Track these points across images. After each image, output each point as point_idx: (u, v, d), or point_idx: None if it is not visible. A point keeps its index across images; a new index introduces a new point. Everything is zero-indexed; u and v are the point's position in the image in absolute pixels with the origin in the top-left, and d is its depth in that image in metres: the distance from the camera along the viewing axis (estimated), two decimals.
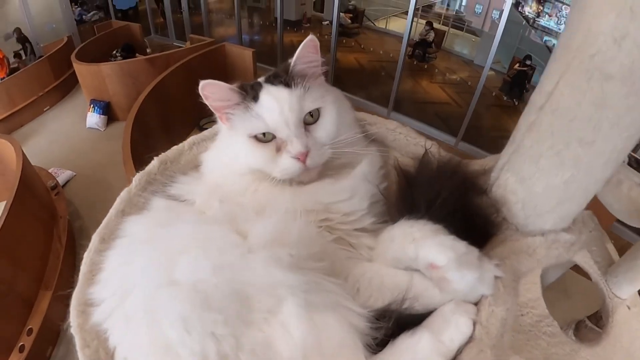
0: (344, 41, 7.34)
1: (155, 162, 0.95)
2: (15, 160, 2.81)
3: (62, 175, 3.99)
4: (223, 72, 5.01)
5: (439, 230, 0.67)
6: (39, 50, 6.21)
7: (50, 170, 3.74)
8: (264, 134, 0.77)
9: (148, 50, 6.77)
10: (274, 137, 0.77)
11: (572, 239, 0.75)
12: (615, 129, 0.62)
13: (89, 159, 4.29)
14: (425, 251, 0.64)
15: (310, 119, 0.78)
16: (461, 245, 0.63)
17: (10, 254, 2.30)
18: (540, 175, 0.71)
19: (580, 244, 0.75)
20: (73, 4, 7.61)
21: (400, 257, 0.68)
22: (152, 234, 0.71)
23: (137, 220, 0.77)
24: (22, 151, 2.91)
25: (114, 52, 6.16)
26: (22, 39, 6.07)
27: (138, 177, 0.92)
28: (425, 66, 6.73)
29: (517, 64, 5.44)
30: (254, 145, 0.78)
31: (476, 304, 0.64)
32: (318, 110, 0.79)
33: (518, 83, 5.45)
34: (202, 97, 0.78)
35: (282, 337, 0.56)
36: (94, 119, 4.89)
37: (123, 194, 0.89)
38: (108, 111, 4.94)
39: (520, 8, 5.57)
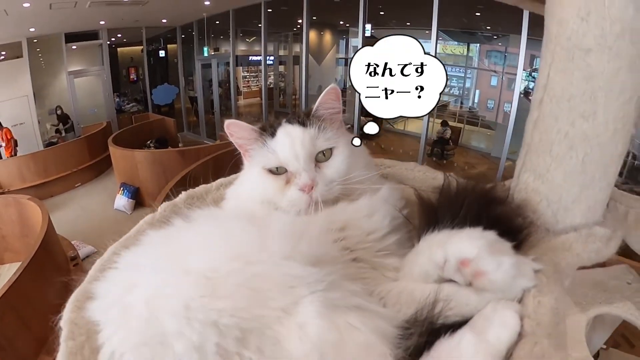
0: (365, 143, 7.61)
1: (182, 195, 0.98)
2: (40, 224, 2.89)
3: (83, 249, 4.04)
4: None
5: (464, 229, 0.63)
6: (79, 130, 6.81)
7: (72, 242, 3.81)
8: (277, 168, 0.81)
9: (180, 145, 7.24)
10: (286, 171, 0.81)
11: (608, 233, 0.73)
12: (609, 95, 0.66)
13: (112, 239, 4.35)
14: (453, 248, 0.59)
15: (322, 158, 0.81)
16: (490, 234, 0.59)
17: (17, 311, 2.27)
18: (557, 164, 0.73)
19: (616, 239, 0.74)
20: (114, 94, 8.45)
21: (428, 269, 0.63)
22: (170, 236, 0.70)
23: (157, 232, 0.75)
24: (49, 216, 3.01)
25: (148, 142, 6.62)
26: (63, 117, 6.69)
27: (164, 206, 0.93)
28: (445, 162, 6.88)
29: None
30: (266, 176, 0.81)
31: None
32: (330, 150, 0.82)
33: None
34: (227, 134, 0.86)
35: (296, 337, 0.50)
36: (122, 201, 5.09)
37: (147, 217, 0.89)
38: (136, 196, 5.16)
39: (530, 96, 5.83)
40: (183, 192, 0.98)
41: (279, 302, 0.52)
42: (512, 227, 0.69)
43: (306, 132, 0.81)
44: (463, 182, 0.81)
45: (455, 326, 0.55)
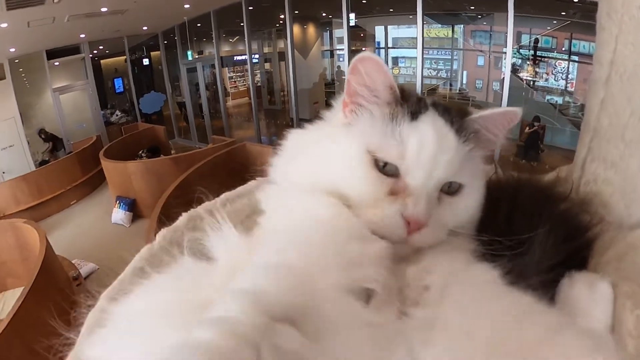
0: None
1: (183, 218, 0.81)
2: (39, 247, 2.86)
3: (85, 268, 4.01)
4: (246, 169, 5.15)
5: None
6: (69, 146, 6.81)
7: (73, 261, 3.78)
8: (386, 163, 0.55)
9: (172, 152, 7.18)
10: (396, 175, 0.55)
11: None
12: None
13: (113, 254, 4.30)
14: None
15: (446, 189, 0.57)
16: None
17: (23, 337, 2.23)
18: (631, 150, 0.64)
19: None
20: (101, 106, 8.39)
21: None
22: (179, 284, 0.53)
23: (160, 278, 0.56)
24: (46, 238, 2.97)
25: (140, 152, 6.55)
26: (49, 137, 6.68)
27: (163, 233, 0.78)
28: None
29: (527, 127, 5.53)
30: (365, 165, 0.55)
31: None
32: (460, 186, 0.57)
33: (532, 145, 5.50)
34: (351, 69, 0.57)
35: None
36: (119, 215, 5.04)
37: (143, 250, 0.74)
38: (133, 208, 5.10)
39: (518, 73, 5.83)
40: (184, 214, 0.80)
41: None
42: (579, 225, 0.61)
43: (459, 147, 0.55)
44: (512, 176, 0.70)
45: None
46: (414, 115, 0.55)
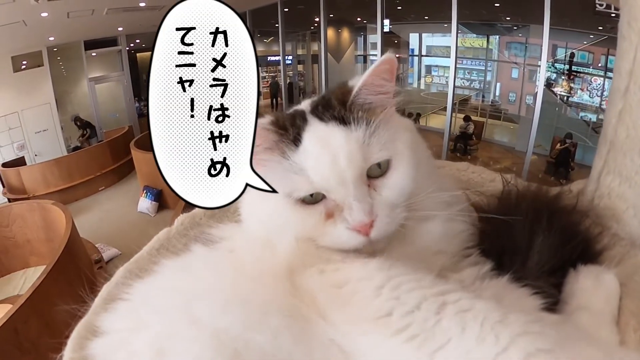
0: None
1: None
2: (64, 228, 2.96)
3: (107, 252, 4.12)
4: None
5: None
6: (101, 134, 7.08)
7: (97, 245, 3.90)
8: (311, 194, 0.55)
9: None
10: (323, 197, 0.55)
11: None
12: None
13: (136, 241, 4.37)
14: None
15: (377, 171, 0.55)
16: None
17: (41, 314, 2.31)
18: None
19: None
20: (135, 98, 8.66)
21: None
22: (185, 267, 0.60)
23: (172, 261, 0.62)
24: (72, 220, 3.07)
25: None
26: (84, 125, 6.98)
27: (181, 219, 0.83)
28: (469, 158, 6.74)
29: (559, 144, 5.36)
30: (293, 209, 0.55)
31: None
32: (388, 161, 0.56)
33: (562, 163, 5.31)
34: None
35: None
36: (145, 204, 5.17)
37: (162, 233, 0.81)
38: (160, 198, 5.21)
39: (552, 87, 5.66)
40: None
41: None
42: (584, 236, 0.63)
43: (351, 136, 0.54)
44: (524, 187, 0.71)
45: None
46: (296, 140, 0.55)
